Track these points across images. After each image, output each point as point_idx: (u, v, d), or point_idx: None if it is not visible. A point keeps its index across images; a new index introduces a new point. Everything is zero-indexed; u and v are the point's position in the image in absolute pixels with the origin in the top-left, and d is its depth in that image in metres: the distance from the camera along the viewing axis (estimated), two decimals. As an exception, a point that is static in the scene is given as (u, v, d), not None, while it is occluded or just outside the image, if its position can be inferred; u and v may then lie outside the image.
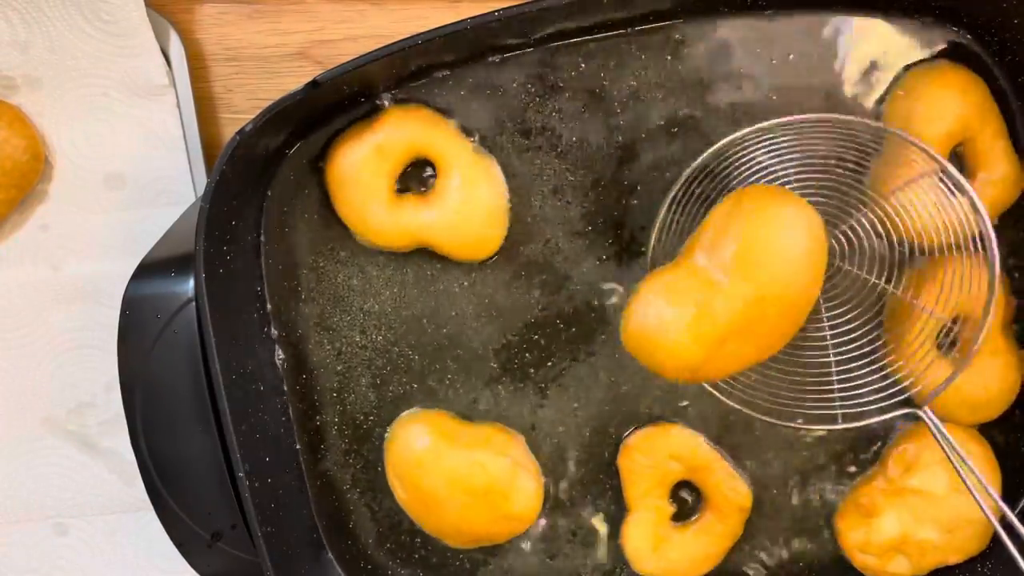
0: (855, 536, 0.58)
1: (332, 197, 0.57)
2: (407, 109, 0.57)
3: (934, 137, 0.55)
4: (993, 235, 0.51)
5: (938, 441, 0.53)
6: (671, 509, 0.59)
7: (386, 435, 0.59)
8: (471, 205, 0.56)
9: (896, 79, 0.57)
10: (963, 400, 0.57)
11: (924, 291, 0.55)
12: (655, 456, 0.58)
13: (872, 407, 0.54)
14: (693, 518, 0.60)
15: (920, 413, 0.54)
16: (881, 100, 0.57)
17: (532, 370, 0.59)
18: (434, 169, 0.57)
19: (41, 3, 0.59)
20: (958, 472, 0.53)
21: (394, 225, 0.57)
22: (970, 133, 0.56)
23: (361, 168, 0.56)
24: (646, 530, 0.59)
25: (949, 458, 0.53)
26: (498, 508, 0.57)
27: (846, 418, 0.54)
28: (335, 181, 0.57)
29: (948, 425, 0.56)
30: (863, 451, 0.59)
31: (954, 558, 0.58)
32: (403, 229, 0.57)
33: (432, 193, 0.57)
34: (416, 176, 0.58)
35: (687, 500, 0.60)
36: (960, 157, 0.57)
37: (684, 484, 0.60)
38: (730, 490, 0.58)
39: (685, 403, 0.59)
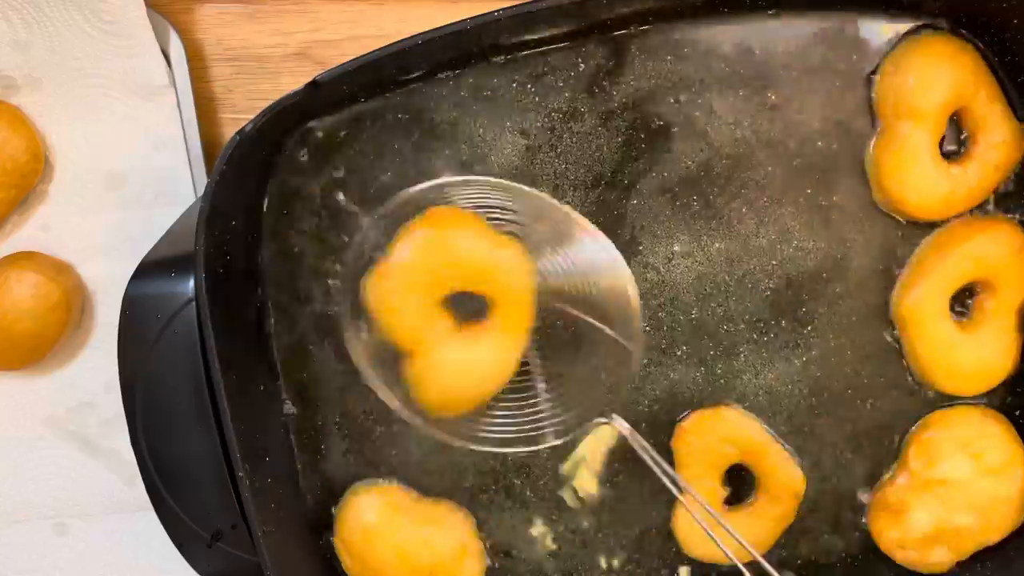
0: (891, 535, 0.58)
1: (394, 240, 0.53)
2: (526, 268, 0.54)
3: (929, 108, 0.55)
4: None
5: (634, 445, 0.55)
6: (724, 492, 0.59)
7: (335, 506, 0.59)
8: (454, 374, 0.54)
9: (882, 57, 0.57)
10: (949, 364, 0.57)
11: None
12: (709, 439, 0.58)
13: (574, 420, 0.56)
14: (746, 502, 0.59)
15: (614, 419, 0.56)
16: (871, 81, 0.57)
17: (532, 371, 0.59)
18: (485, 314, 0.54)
19: (41, 3, 0.59)
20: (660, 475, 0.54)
21: (410, 325, 0.53)
22: (964, 100, 0.56)
23: (441, 253, 0.52)
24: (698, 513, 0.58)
25: (649, 462, 0.55)
26: None
27: (557, 435, 0.56)
28: (407, 239, 0.53)
29: (963, 408, 0.58)
30: (882, 444, 0.59)
31: (993, 538, 0.58)
32: (412, 333, 0.53)
33: (458, 331, 0.54)
34: (468, 309, 0.54)
35: (739, 484, 0.59)
36: (958, 126, 0.57)
37: (737, 468, 0.59)
38: (784, 474, 0.58)
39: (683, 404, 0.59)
